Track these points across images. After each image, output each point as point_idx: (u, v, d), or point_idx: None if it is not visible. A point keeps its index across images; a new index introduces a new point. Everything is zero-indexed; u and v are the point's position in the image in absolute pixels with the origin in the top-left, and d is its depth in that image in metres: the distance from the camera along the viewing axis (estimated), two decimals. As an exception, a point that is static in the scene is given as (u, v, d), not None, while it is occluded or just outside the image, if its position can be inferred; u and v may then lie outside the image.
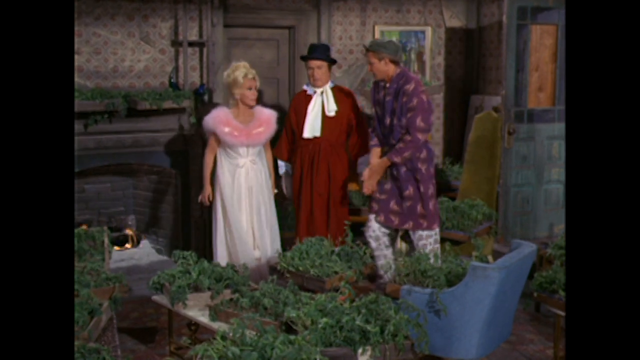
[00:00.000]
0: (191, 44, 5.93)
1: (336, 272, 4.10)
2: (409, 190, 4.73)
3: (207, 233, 5.94)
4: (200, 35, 5.98)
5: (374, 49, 4.73)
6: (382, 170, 4.79)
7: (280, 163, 5.46)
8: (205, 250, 5.78)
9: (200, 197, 5.05)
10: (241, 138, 4.89)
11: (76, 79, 5.52)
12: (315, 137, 5.22)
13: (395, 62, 4.75)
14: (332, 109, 5.23)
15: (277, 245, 5.06)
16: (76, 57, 5.51)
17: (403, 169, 4.74)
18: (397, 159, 4.68)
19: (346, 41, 6.83)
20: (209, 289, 3.86)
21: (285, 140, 5.41)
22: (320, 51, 5.25)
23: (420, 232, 4.76)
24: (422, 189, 4.72)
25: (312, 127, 5.21)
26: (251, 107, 4.97)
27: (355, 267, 4.20)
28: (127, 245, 6.02)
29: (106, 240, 4.46)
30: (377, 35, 6.92)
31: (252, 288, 3.93)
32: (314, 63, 5.20)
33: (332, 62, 5.31)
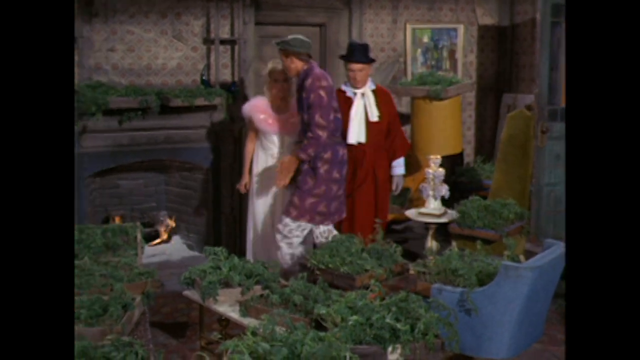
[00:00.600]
0: (223, 42, 5.96)
1: (366, 270, 4.10)
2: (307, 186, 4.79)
3: (238, 229, 5.98)
4: (232, 33, 6.01)
5: (280, 46, 4.84)
6: (291, 166, 4.78)
7: None
8: (236, 246, 5.83)
9: (237, 185, 5.18)
10: (274, 126, 4.95)
11: (111, 76, 5.60)
12: (360, 143, 5.09)
13: (301, 58, 4.83)
14: (375, 115, 5.12)
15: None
16: (111, 54, 5.59)
17: (305, 166, 4.79)
18: (302, 156, 4.71)
19: (377, 39, 6.80)
20: (239, 285, 3.89)
21: None
22: (362, 53, 5.10)
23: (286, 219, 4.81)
24: (310, 185, 4.76)
25: (357, 134, 5.06)
26: (281, 96, 5.03)
27: (386, 265, 4.19)
28: (159, 240, 6.08)
29: (139, 236, 4.51)
30: (409, 34, 6.89)
31: (282, 284, 3.94)
32: (356, 66, 5.07)
33: (372, 62, 5.22)
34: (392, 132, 5.19)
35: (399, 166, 5.22)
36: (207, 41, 5.92)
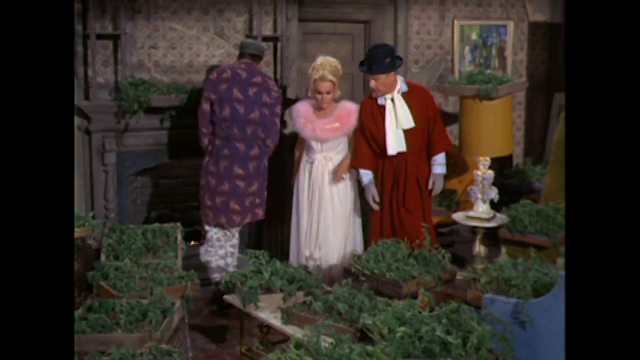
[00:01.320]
0: (266, 39, 5.83)
1: (413, 277, 3.93)
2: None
3: (280, 231, 5.86)
4: (275, 30, 5.88)
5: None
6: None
7: (363, 172, 4.89)
8: (277, 249, 5.70)
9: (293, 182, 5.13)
10: (311, 131, 4.79)
11: (153, 74, 5.53)
12: (400, 153, 4.78)
13: (250, 58, 4.86)
14: (406, 122, 4.71)
15: (350, 249, 4.90)
16: (153, 52, 5.52)
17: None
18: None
19: (424, 36, 6.60)
20: (281, 290, 3.76)
21: (363, 148, 4.85)
22: (379, 63, 4.60)
23: None
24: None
25: (396, 144, 4.73)
26: (323, 109, 4.83)
27: (434, 272, 4.01)
28: (200, 241, 5.99)
29: (179, 237, 4.42)
30: (457, 31, 6.68)
31: (325, 291, 3.80)
32: (374, 77, 4.68)
33: (395, 69, 4.70)
34: (431, 131, 4.82)
35: (437, 164, 4.82)
36: (250, 38, 5.79)
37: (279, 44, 5.89)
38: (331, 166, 4.88)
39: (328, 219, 4.85)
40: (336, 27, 6.38)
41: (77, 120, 5.35)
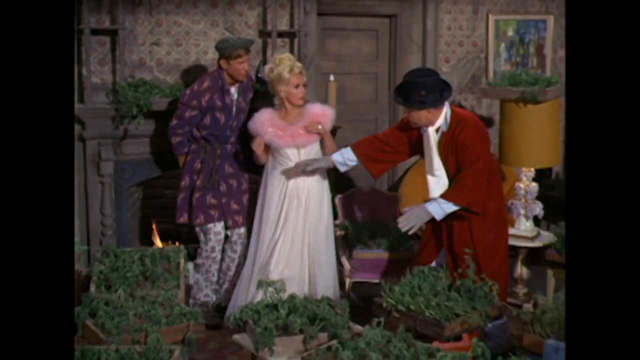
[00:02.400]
0: (281, 35, 5.27)
1: (457, 315, 3.33)
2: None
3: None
4: (291, 25, 5.31)
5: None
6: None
7: (349, 155, 4.11)
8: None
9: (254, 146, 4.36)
10: (286, 138, 4.20)
11: (155, 73, 4.99)
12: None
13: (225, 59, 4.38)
14: (434, 168, 3.89)
15: (334, 273, 4.35)
16: (156, 49, 4.96)
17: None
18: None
19: (455, 32, 6.00)
20: (301, 331, 3.17)
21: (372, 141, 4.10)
22: (409, 95, 3.77)
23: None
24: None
25: (434, 188, 3.94)
26: (299, 106, 4.27)
27: (480, 308, 3.40)
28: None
29: (182, 262, 3.84)
30: (491, 26, 6.07)
31: (353, 332, 3.20)
32: (407, 110, 3.89)
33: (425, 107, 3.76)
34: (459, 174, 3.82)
35: (435, 201, 3.80)
36: (264, 34, 5.23)
37: (296, 40, 5.31)
38: (313, 174, 4.26)
39: (319, 232, 4.30)
40: (358, 22, 5.81)
41: (71, 125, 4.79)
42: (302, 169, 4.16)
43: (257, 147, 4.23)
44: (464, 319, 3.31)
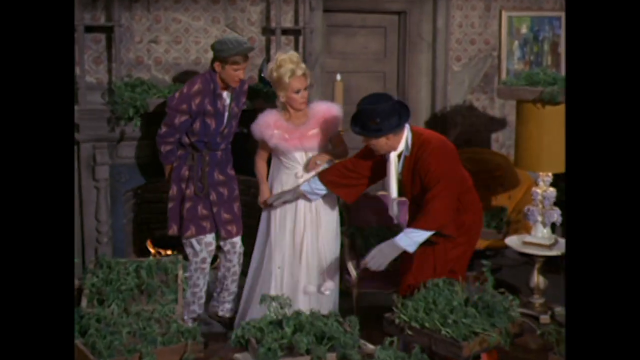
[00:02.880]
0: (285, 32, 5.03)
1: (475, 333, 3.09)
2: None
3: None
4: (296, 22, 5.08)
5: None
6: None
7: (317, 186, 3.98)
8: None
9: (260, 200, 4.18)
10: (294, 141, 3.99)
11: (153, 72, 4.75)
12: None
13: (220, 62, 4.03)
14: (392, 191, 3.77)
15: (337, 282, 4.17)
16: (154, 47, 4.73)
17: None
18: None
19: (467, 29, 5.75)
20: (307, 352, 2.94)
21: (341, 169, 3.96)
22: (362, 124, 3.59)
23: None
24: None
25: (395, 209, 3.94)
26: (300, 110, 4.03)
27: (500, 325, 3.17)
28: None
29: (180, 274, 3.60)
30: (504, 23, 5.82)
31: (364, 352, 2.97)
32: (364, 139, 3.71)
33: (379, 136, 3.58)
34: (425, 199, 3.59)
35: (403, 234, 3.58)
36: (267, 31, 4.99)
37: (301, 38, 5.07)
38: None
39: (326, 246, 4.13)
40: (366, 19, 5.57)
41: (64, 127, 4.56)
42: (270, 203, 4.05)
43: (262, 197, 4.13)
44: (483, 337, 3.08)
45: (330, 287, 4.09)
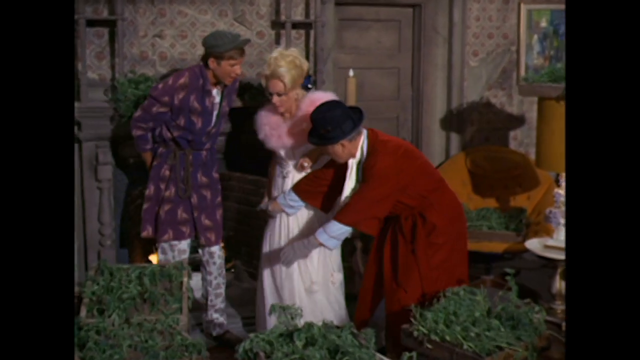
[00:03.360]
0: (295, 26, 4.84)
1: (500, 347, 2.89)
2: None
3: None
4: (307, 15, 4.88)
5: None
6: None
7: (293, 199, 3.78)
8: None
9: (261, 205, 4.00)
10: (275, 138, 3.76)
11: (158, 68, 4.56)
12: None
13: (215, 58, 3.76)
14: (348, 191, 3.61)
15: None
16: (159, 41, 4.53)
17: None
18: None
19: (484, 23, 5.54)
20: (320, 367, 2.74)
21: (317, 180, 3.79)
22: (314, 132, 3.49)
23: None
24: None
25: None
26: (281, 113, 3.77)
27: (525, 339, 2.97)
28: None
29: (185, 281, 3.41)
30: (523, 16, 5.61)
31: (381, 368, 2.78)
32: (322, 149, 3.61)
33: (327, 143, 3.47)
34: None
35: (322, 230, 3.50)
36: (277, 25, 4.79)
37: (312, 32, 4.87)
38: None
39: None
40: (379, 12, 5.36)
41: (66, 125, 4.38)
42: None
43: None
44: (508, 352, 2.88)
45: (339, 278, 3.91)
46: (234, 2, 4.67)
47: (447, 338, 2.96)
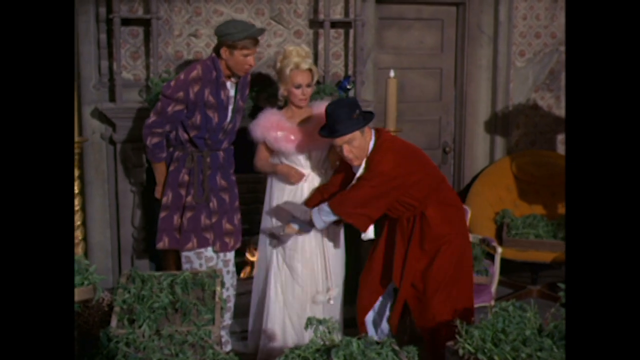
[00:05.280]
0: (334, 25, 4.67)
1: (553, 370, 2.69)
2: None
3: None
4: (346, 14, 4.71)
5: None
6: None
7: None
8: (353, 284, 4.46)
9: (293, 179, 3.85)
10: (300, 142, 3.67)
11: (194, 68, 4.42)
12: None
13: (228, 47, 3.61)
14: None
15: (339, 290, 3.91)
16: (194, 41, 4.41)
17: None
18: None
19: (532, 21, 5.31)
20: (360, 387, 2.58)
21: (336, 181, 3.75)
22: (346, 122, 3.39)
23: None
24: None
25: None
26: (299, 107, 3.75)
27: (580, 360, 2.75)
28: (248, 270, 4.86)
29: (218, 290, 3.27)
30: (573, 13, 5.34)
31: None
32: (345, 141, 3.44)
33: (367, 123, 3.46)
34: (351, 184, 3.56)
35: (316, 210, 3.55)
36: (315, 23, 4.64)
37: (351, 31, 4.70)
38: (326, 181, 3.84)
39: (332, 250, 3.87)
40: (421, 10, 5.17)
41: (100, 127, 4.31)
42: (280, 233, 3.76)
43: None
44: (562, 375, 2.67)
45: (334, 295, 3.84)
46: (271, 1, 4.53)
47: (496, 358, 2.76)
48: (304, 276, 3.79)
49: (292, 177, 3.76)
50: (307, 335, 3.67)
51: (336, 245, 3.87)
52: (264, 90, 4.36)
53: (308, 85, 3.70)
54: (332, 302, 3.83)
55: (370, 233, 3.66)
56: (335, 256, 3.87)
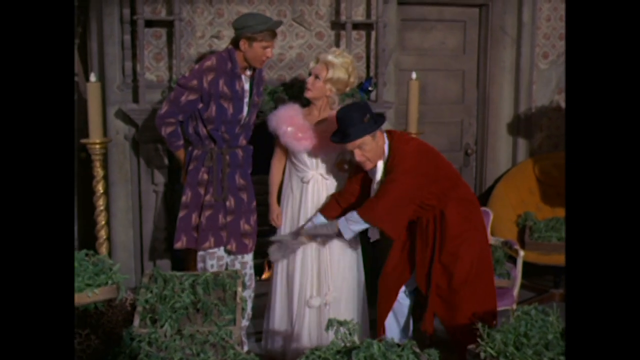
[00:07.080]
0: (356, 26, 4.67)
1: (576, 374, 2.66)
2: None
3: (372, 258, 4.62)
4: (368, 15, 4.70)
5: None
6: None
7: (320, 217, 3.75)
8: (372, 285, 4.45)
9: (270, 219, 3.90)
10: (304, 141, 3.65)
11: (216, 70, 4.44)
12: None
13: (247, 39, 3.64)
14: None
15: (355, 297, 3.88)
16: (217, 42, 4.44)
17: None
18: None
19: (555, 23, 5.26)
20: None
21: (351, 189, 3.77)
22: (357, 125, 3.40)
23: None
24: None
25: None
26: (311, 99, 3.75)
27: (604, 365, 2.72)
28: (265, 275, 4.86)
29: (239, 291, 3.29)
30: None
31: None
32: (358, 145, 3.46)
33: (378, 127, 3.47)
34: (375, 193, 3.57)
35: (344, 218, 3.57)
36: (337, 25, 4.64)
37: (373, 32, 4.70)
38: (330, 186, 3.82)
39: (333, 253, 3.81)
40: (443, 12, 5.15)
41: (123, 127, 4.34)
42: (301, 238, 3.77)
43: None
44: (586, 380, 2.64)
45: (330, 299, 3.81)
46: (292, 2, 4.54)
47: (518, 362, 2.74)
48: (295, 279, 3.79)
49: (271, 214, 3.87)
50: (306, 338, 3.71)
51: (342, 249, 3.82)
52: (285, 92, 4.37)
53: (317, 77, 3.68)
54: (328, 306, 3.79)
55: (376, 233, 3.68)
56: (339, 260, 3.82)
